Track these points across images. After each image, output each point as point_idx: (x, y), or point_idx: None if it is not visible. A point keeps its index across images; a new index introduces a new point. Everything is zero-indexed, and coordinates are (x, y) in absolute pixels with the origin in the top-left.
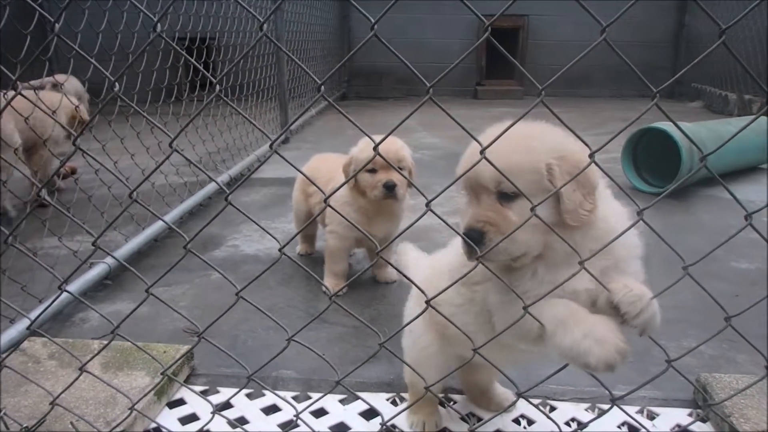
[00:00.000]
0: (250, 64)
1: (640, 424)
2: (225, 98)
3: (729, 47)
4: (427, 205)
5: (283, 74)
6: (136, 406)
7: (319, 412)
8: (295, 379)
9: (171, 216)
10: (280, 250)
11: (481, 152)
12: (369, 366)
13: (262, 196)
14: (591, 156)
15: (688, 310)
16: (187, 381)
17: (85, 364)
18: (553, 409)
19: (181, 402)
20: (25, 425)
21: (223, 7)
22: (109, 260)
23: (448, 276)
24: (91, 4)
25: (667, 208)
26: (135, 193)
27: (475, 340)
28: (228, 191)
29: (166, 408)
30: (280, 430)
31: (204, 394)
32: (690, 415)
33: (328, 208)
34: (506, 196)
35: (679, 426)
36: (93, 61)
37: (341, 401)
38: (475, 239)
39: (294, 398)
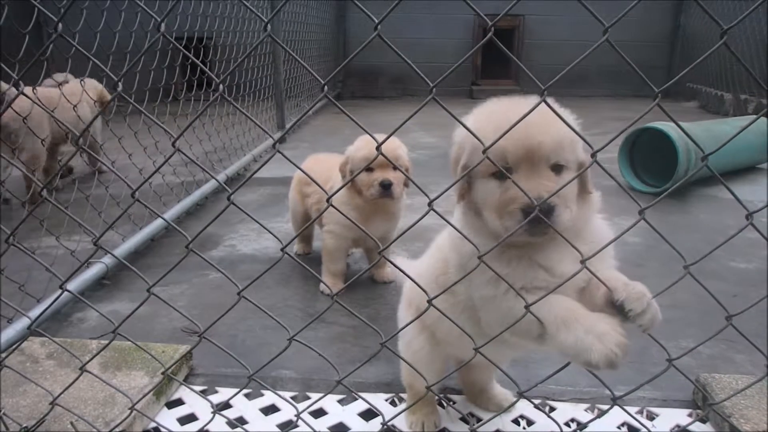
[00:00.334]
0: (246, 63)
1: (642, 424)
2: (227, 98)
3: (730, 48)
4: (430, 204)
5: (279, 74)
6: (135, 407)
7: (318, 413)
8: (294, 379)
9: (169, 215)
10: (282, 249)
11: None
12: (367, 366)
13: (259, 196)
14: (593, 155)
15: (686, 309)
16: (186, 381)
17: (86, 363)
18: (552, 409)
19: (179, 402)
20: (24, 425)
21: (220, 7)
22: (106, 260)
23: (435, 285)
24: (89, 4)
25: (664, 208)
26: (136, 194)
27: (465, 341)
28: (230, 191)
29: (165, 408)
30: (279, 430)
31: (203, 393)
32: (689, 415)
33: (322, 208)
34: (558, 168)
35: (678, 426)
36: (96, 60)
37: (340, 401)
38: (545, 212)
39: (293, 398)
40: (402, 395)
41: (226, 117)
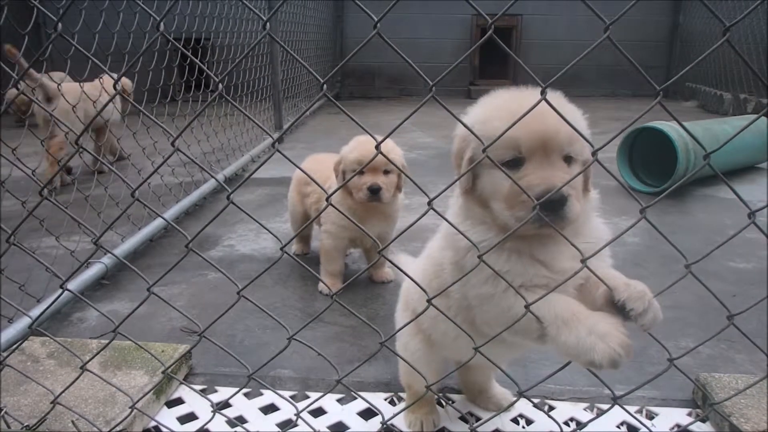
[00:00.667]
0: (244, 64)
1: (642, 423)
2: (226, 97)
3: (733, 46)
4: (429, 203)
5: (277, 74)
6: (136, 406)
7: (317, 412)
8: (293, 378)
9: (167, 216)
10: (281, 249)
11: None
12: (366, 366)
13: (257, 196)
14: (594, 154)
15: (685, 309)
16: (186, 380)
17: (87, 362)
18: (551, 408)
19: (179, 401)
20: (25, 424)
21: (218, 8)
22: (106, 260)
23: (429, 290)
24: (88, 5)
25: (662, 208)
26: (137, 192)
27: (460, 343)
28: (230, 190)
29: (165, 407)
30: (278, 429)
31: (202, 393)
32: (689, 414)
33: (321, 208)
34: (568, 160)
35: (678, 426)
36: (96, 60)
37: (339, 401)
38: (558, 202)
39: (291, 397)
40: (401, 394)
41: (224, 118)
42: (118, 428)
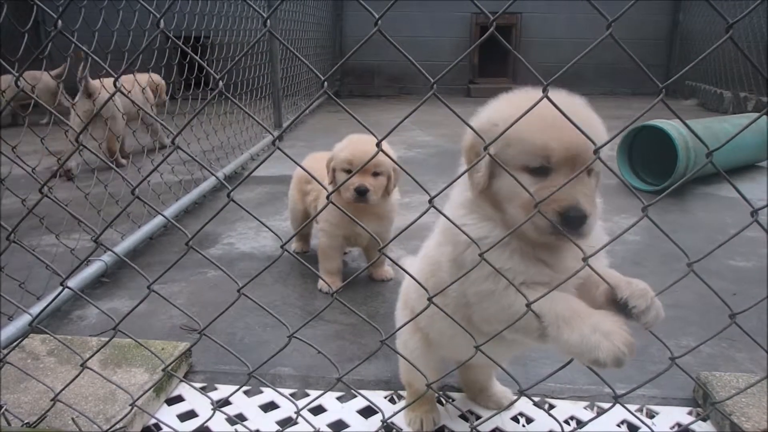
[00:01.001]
0: (243, 62)
1: (643, 422)
2: (227, 94)
3: (736, 43)
4: (430, 201)
5: (276, 73)
6: (136, 403)
7: (317, 410)
8: (293, 376)
9: (167, 214)
10: (282, 246)
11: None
12: (366, 364)
13: (257, 194)
14: (596, 152)
15: (686, 308)
16: (186, 378)
17: (87, 360)
18: (551, 407)
19: (179, 399)
20: (26, 421)
21: (217, 6)
22: (105, 258)
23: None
24: (87, 3)
25: (663, 206)
26: (137, 190)
27: (457, 343)
28: (230, 188)
29: (165, 405)
30: (278, 427)
31: (202, 390)
32: (690, 413)
33: (319, 206)
34: (589, 173)
35: (679, 425)
36: (96, 58)
37: (339, 398)
38: (579, 219)
39: (291, 395)
40: (401, 393)
41: (224, 116)
42: (118, 426)
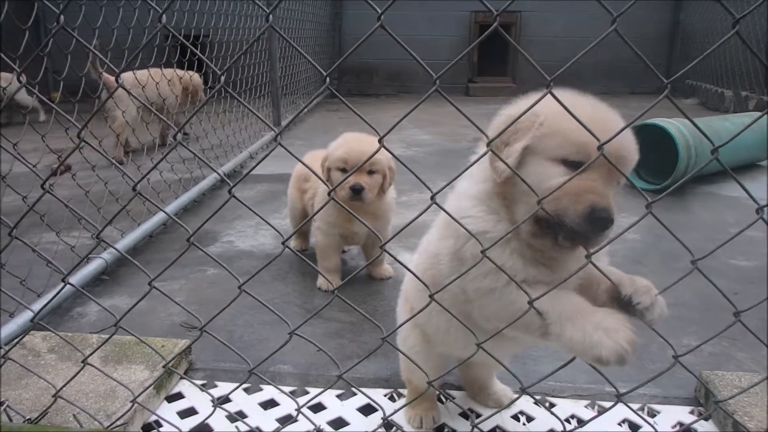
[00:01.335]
0: (242, 60)
1: (646, 420)
2: (229, 90)
3: (742, 38)
4: (432, 198)
5: (275, 71)
6: (137, 400)
7: (317, 407)
8: (292, 374)
9: (167, 211)
10: (283, 243)
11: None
12: (366, 362)
13: (256, 193)
14: (599, 148)
15: (687, 307)
16: (186, 375)
17: (88, 357)
18: (552, 405)
19: (179, 396)
20: (27, 417)
21: (216, 5)
22: (105, 255)
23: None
24: (87, 2)
25: (664, 205)
26: (131, 182)
27: (452, 339)
28: (231, 184)
29: (165, 402)
30: (278, 424)
31: (203, 388)
32: (691, 412)
33: (316, 204)
34: (617, 182)
35: (680, 424)
36: (98, 53)
37: (339, 396)
38: (605, 224)
39: (291, 393)
40: (401, 391)
41: (223, 114)
42: (118, 422)
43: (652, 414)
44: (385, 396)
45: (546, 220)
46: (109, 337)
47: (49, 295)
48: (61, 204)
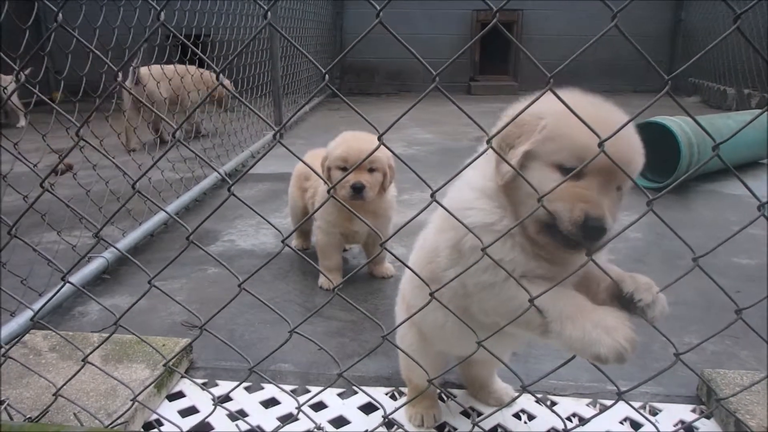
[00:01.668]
0: (243, 60)
1: (647, 419)
2: (229, 89)
3: (743, 34)
4: (432, 195)
5: (276, 70)
6: (137, 398)
7: (318, 406)
8: (293, 373)
9: (168, 210)
10: (282, 241)
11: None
12: (367, 360)
13: (257, 192)
14: (600, 144)
15: (688, 305)
16: (186, 374)
17: (88, 355)
18: (554, 404)
19: (180, 395)
20: (28, 416)
21: (217, 4)
22: (107, 255)
23: (421, 286)
24: (87, 1)
25: (665, 203)
26: (130, 181)
27: (448, 335)
28: (230, 182)
29: (166, 400)
30: (279, 423)
31: (203, 386)
32: (693, 411)
33: (317, 203)
34: (619, 189)
35: (682, 422)
36: (98, 52)
37: (340, 395)
38: (599, 232)
39: (292, 392)
40: (402, 389)
41: (224, 114)
42: (119, 421)
43: (654, 412)
44: (386, 395)
45: (546, 224)
46: (109, 336)
47: (50, 294)
48: (63, 204)
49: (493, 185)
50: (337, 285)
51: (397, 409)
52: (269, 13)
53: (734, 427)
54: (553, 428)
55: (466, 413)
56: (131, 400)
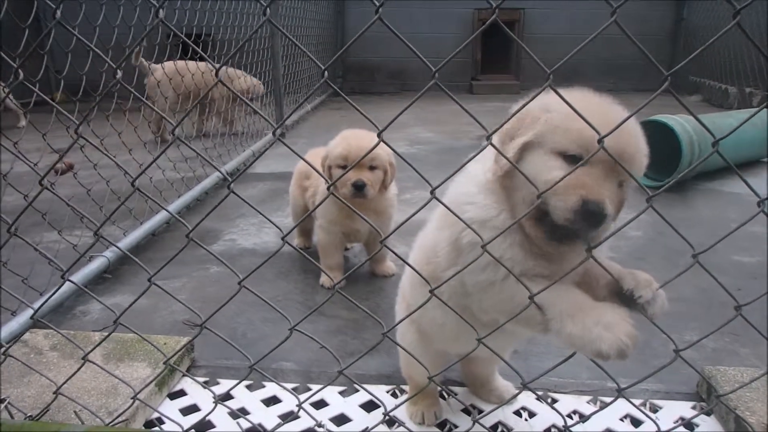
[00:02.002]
0: (245, 59)
1: (647, 416)
2: (229, 87)
3: (743, 29)
4: (432, 192)
5: (278, 69)
6: (138, 397)
7: (319, 404)
8: (295, 371)
9: (170, 209)
10: (282, 238)
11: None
12: (368, 358)
13: (258, 191)
14: (600, 141)
15: (689, 303)
16: (188, 372)
17: (88, 353)
18: (554, 401)
19: (181, 393)
20: (28, 414)
21: (218, 3)
22: (108, 254)
23: (421, 285)
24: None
25: (666, 201)
26: (136, 182)
27: (447, 333)
28: (230, 179)
29: (167, 399)
30: (280, 420)
31: (205, 385)
32: (693, 408)
33: (317, 202)
34: (621, 184)
35: (683, 419)
36: (97, 50)
37: (341, 393)
38: (599, 219)
39: (294, 390)
40: (403, 387)
41: (225, 113)
42: (120, 419)
43: (654, 409)
44: (387, 392)
45: (539, 216)
46: (109, 334)
47: (50, 293)
48: (64, 203)
49: (493, 177)
50: (337, 282)
51: (397, 407)
52: (268, 9)
53: (734, 423)
54: (553, 425)
55: (467, 411)
56: (132, 399)
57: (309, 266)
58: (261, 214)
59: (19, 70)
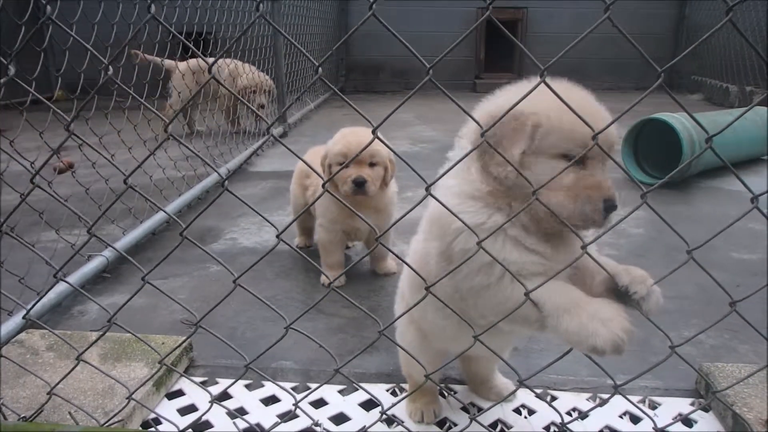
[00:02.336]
0: (247, 57)
1: (644, 412)
2: (228, 87)
3: (736, 26)
4: (427, 189)
5: (280, 68)
6: (134, 397)
7: (319, 403)
8: (294, 370)
9: (170, 209)
10: (278, 236)
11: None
12: (368, 357)
13: (260, 190)
14: (594, 138)
15: (688, 300)
16: (186, 372)
17: (82, 353)
18: (553, 398)
19: (179, 393)
20: (23, 415)
21: (219, 2)
22: (107, 253)
23: (417, 282)
24: None
25: (666, 199)
26: (130, 179)
27: (448, 335)
28: (224, 177)
29: (165, 399)
30: (279, 419)
31: (203, 385)
32: (692, 404)
33: (318, 201)
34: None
35: (681, 415)
36: (93, 50)
37: (340, 392)
38: (615, 210)
39: (293, 389)
40: (403, 386)
41: (227, 111)
42: (116, 419)
43: (653, 406)
44: (387, 391)
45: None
46: (102, 334)
47: (44, 292)
48: (62, 202)
49: (478, 186)
50: (332, 280)
51: (394, 404)
52: (261, 5)
53: (732, 419)
54: (552, 423)
55: (466, 409)
56: (127, 399)
57: (310, 265)
58: (255, 210)
59: (9, 66)
